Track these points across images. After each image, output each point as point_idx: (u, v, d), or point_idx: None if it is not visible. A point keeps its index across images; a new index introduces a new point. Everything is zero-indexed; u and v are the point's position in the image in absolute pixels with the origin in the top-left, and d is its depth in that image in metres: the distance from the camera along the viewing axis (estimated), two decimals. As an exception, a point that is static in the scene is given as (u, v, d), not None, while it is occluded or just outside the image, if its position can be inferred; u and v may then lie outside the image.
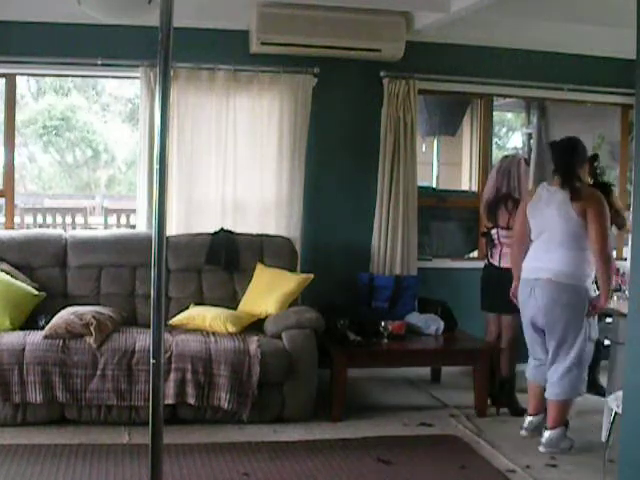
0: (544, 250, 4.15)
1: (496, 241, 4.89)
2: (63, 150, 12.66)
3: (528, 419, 4.36)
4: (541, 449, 4.14)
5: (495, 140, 10.09)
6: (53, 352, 4.16)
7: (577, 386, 4.13)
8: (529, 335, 4.32)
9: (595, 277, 4.16)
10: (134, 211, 6.23)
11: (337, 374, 4.59)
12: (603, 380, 4.89)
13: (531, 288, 4.16)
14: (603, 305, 4.09)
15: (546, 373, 4.24)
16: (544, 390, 4.27)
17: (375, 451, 4.04)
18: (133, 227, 7.10)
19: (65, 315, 4.35)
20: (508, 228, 4.76)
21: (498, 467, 3.89)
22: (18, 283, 4.63)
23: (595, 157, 4.77)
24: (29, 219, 8.57)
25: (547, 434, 4.15)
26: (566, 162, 4.13)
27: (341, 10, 5.19)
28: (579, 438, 4.24)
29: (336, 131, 5.66)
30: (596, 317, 4.18)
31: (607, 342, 4.80)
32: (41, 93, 12.36)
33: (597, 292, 4.14)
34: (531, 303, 4.18)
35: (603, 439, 4.06)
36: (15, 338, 4.24)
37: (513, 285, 4.39)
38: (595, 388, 5.09)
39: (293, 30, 5.21)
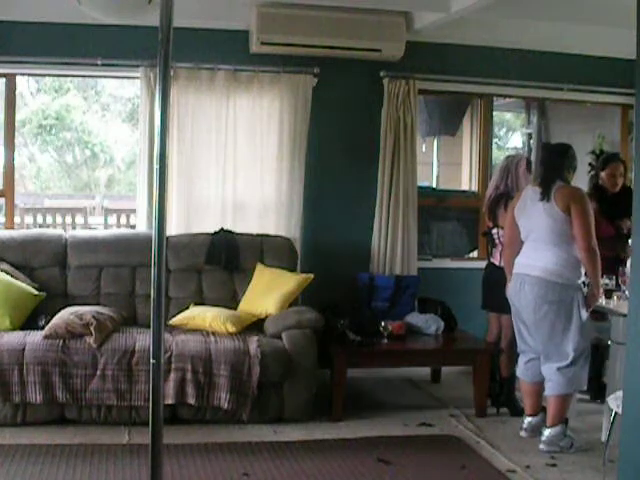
0: (533, 249, 4.19)
1: (496, 240, 4.89)
2: (62, 150, 12.65)
3: (527, 420, 4.37)
4: (541, 447, 4.15)
5: (495, 140, 10.09)
6: (53, 352, 4.16)
7: (575, 381, 4.14)
8: (517, 329, 4.37)
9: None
10: (134, 211, 6.23)
11: (337, 374, 4.59)
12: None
13: (521, 283, 4.21)
14: (596, 299, 4.14)
15: (536, 370, 4.29)
16: (536, 387, 4.32)
17: (375, 451, 4.04)
18: (133, 227, 7.10)
19: (65, 315, 4.35)
20: (505, 227, 4.77)
21: (498, 467, 3.89)
22: (18, 283, 4.63)
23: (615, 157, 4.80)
24: (29, 219, 8.56)
25: (546, 432, 4.16)
26: (551, 163, 4.20)
27: (341, 10, 5.20)
28: (579, 438, 4.24)
29: (336, 131, 5.66)
30: (587, 314, 4.19)
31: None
32: (37, 92, 12.34)
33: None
34: (520, 297, 4.22)
35: (603, 439, 4.06)
36: (15, 338, 4.24)
37: (507, 285, 4.41)
38: (599, 394, 4.99)
39: (293, 30, 5.22)
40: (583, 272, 4.14)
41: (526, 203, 4.23)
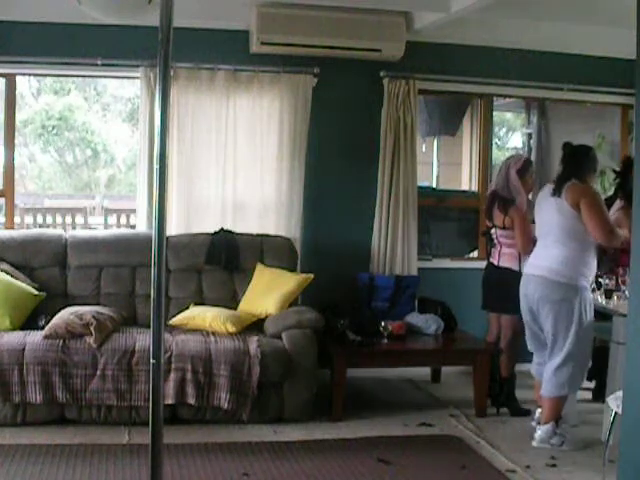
0: (543, 247, 4.25)
1: (495, 240, 4.89)
2: (63, 150, 12.65)
3: (538, 410, 4.44)
4: (533, 443, 4.23)
5: (495, 140, 10.08)
6: (53, 352, 4.16)
7: (568, 384, 4.18)
8: (526, 329, 4.43)
9: (594, 278, 4.32)
10: (134, 211, 6.23)
11: (337, 374, 4.59)
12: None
13: (526, 284, 4.28)
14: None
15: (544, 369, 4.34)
16: None
17: (375, 451, 4.04)
18: (133, 227, 7.10)
19: (65, 315, 4.35)
20: (504, 228, 4.76)
21: (498, 467, 3.89)
22: (18, 283, 4.63)
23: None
24: (29, 219, 8.56)
25: (539, 429, 4.24)
26: (569, 162, 4.24)
27: (341, 10, 5.19)
28: (577, 438, 4.25)
29: (336, 131, 5.66)
30: (591, 317, 4.20)
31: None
32: (40, 92, 12.34)
33: (594, 291, 4.33)
34: (527, 299, 4.28)
35: (603, 439, 4.06)
36: (15, 338, 4.24)
37: None
38: (599, 394, 4.97)
39: (293, 30, 5.22)
40: (591, 274, 4.19)
41: (541, 200, 4.32)
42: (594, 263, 4.19)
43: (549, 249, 4.19)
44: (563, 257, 4.11)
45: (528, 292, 4.25)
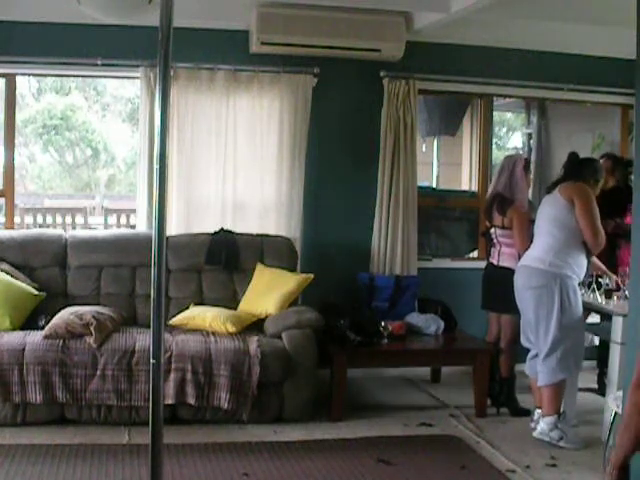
0: (535, 240, 4.40)
1: (495, 240, 4.89)
2: (63, 150, 12.65)
3: (537, 411, 4.45)
4: (534, 434, 4.28)
5: (495, 140, 10.09)
6: (53, 352, 4.16)
7: (557, 368, 4.21)
8: (521, 323, 4.51)
9: (585, 278, 4.41)
10: (134, 211, 6.23)
11: (337, 374, 4.59)
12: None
13: (516, 275, 4.43)
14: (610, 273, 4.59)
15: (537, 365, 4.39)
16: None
17: (375, 451, 4.04)
18: (133, 227, 7.10)
19: (65, 315, 4.35)
20: (503, 227, 4.76)
21: (498, 467, 3.89)
22: (18, 283, 4.63)
23: (630, 163, 4.89)
24: (29, 219, 8.56)
25: (540, 422, 4.29)
26: (568, 169, 4.39)
27: (341, 10, 5.19)
28: (576, 436, 4.25)
29: (336, 131, 5.66)
30: (577, 305, 4.24)
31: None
32: (41, 92, 12.35)
33: (583, 291, 4.45)
34: (516, 288, 4.41)
35: (603, 439, 4.06)
36: (15, 338, 4.24)
37: None
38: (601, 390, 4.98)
39: (293, 30, 5.22)
40: (576, 265, 4.22)
41: (543, 202, 4.46)
42: (582, 257, 4.24)
43: (536, 241, 4.35)
44: (548, 246, 4.23)
45: (516, 283, 4.39)
